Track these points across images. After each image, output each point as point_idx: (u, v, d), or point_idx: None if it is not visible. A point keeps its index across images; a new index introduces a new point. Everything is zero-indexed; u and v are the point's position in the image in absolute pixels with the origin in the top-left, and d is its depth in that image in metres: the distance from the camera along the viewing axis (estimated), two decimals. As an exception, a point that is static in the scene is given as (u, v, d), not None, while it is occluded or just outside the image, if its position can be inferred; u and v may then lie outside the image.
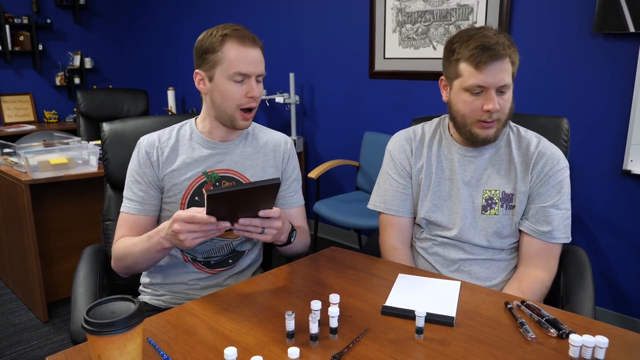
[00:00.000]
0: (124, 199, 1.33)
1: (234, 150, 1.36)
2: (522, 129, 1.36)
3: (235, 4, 4.05)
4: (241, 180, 1.35)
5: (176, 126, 1.38)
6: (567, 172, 1.31)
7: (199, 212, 1.03)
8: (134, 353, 0.78)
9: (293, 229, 1.28)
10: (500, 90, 1.21)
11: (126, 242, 1.27)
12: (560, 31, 2.39)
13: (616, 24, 2.17)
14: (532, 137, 1.34)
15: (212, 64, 1.23)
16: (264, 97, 3.66)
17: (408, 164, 1.41)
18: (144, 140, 1.34)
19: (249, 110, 1.28)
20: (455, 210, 1.34)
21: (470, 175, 1.34)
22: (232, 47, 1.22)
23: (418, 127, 1.45)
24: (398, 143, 1.44)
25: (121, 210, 1.33)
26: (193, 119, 1.39)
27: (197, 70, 1.28)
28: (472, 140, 1.30)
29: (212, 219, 1.02)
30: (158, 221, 1.38)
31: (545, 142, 1.33)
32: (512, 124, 1.37)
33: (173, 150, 1.33)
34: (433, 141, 1.40)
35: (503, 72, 1.20)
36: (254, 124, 1.43)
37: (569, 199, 1.31)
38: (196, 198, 1.31)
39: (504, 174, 1.32)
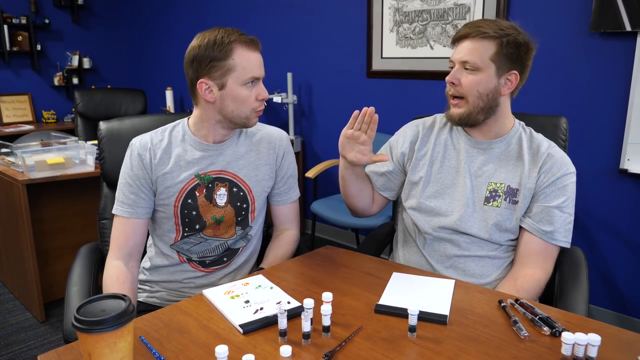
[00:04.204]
0: (115, 201, 1.32)
1: (226, 150, 1.35)
2: (534, 132, 1.38)
3: (233, 4, 4.05)
4: (234, 180, 1.34)
5: (168, 127, 1.36)
6: (574, 179, 1.32)
7: None
8: (124, 351, 0.77)
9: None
10: (465, 67, 1.28)
11: (112, 284, 1.23)
12: (557, 30, 2.39)
13: (613, 23, 2.16)
14: (544, 140, 1.36)
15: (224, 71, 1.22)
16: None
17: (400, 152, 1.45)
18: (137, 142, 1.32)
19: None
20: (457, 198, 1.35)
21: (477, 166, 1.35)
22: (242, 52, 1.22)
23: (431, 117, 1.49)
24: (403, 130, 1.49)
25: (113, 211, 1.32)
26: (185, 119, 1.37)
27: (202, 80, 1.23)
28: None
29: None
30: (153, 224, 1.39)
31: (555, 146, 1.35)
32: (524, 125, 1.40)
33: (165, 152, 1.32)
34: (443, 130, 1.43)
35: (466, 50, 1.27)
36: None
37: (573, 204, 1.32)
38: (189, 201, 1.31)
39: (511, 169, 1.33)
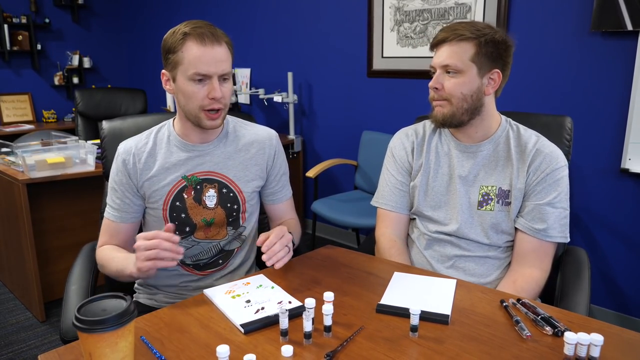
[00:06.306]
0: (106, 204, 1.34)
1: (214, 151, 1.32)
2: (522, 128, 1.36)
3: (234, 3, 4.05)
4: (223, 181, 1.33)
5: (154, 129, 1.35)
6: (566, 172, 1.30)
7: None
8: (125, 351, 0.77)
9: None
10: (446, 71, 1.29)
11: (106, 254, 1.27)
12: (558, 30, 2.39)
13: (614, 22, 2.16)
14: (532, 135, 1.34)
15: (174, 64, 1.20)
16: (262, 96, 3.65)
17: (407, 161, 1.43)
18: (121, 148, 1.31)
19: (215, 110, 1.22)
20: (453, 206, 1.35)
21: (467, 170, 1.34)
22: (191, 46, 1.17)
23: (420, 125, 1.47)
24: (399, 141, 1.46)
25: (104, 214, 1.34)
26: (171, 120, 1.35)
27: (163, 71, 1.25)
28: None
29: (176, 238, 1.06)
30: (145, 226, 1.38)
31: (544, 140, 1.33)
32: (512, 122, 1.38)
33: (151, 156, 1.30)
34: (433, 137, 1.42)
35: (446, 54, 1.28)
36: (235, 120, 1.40)
37: (566, 198, 1.30)
38: (177, 203, 1.30)
39: (501, 171, 1.32)
